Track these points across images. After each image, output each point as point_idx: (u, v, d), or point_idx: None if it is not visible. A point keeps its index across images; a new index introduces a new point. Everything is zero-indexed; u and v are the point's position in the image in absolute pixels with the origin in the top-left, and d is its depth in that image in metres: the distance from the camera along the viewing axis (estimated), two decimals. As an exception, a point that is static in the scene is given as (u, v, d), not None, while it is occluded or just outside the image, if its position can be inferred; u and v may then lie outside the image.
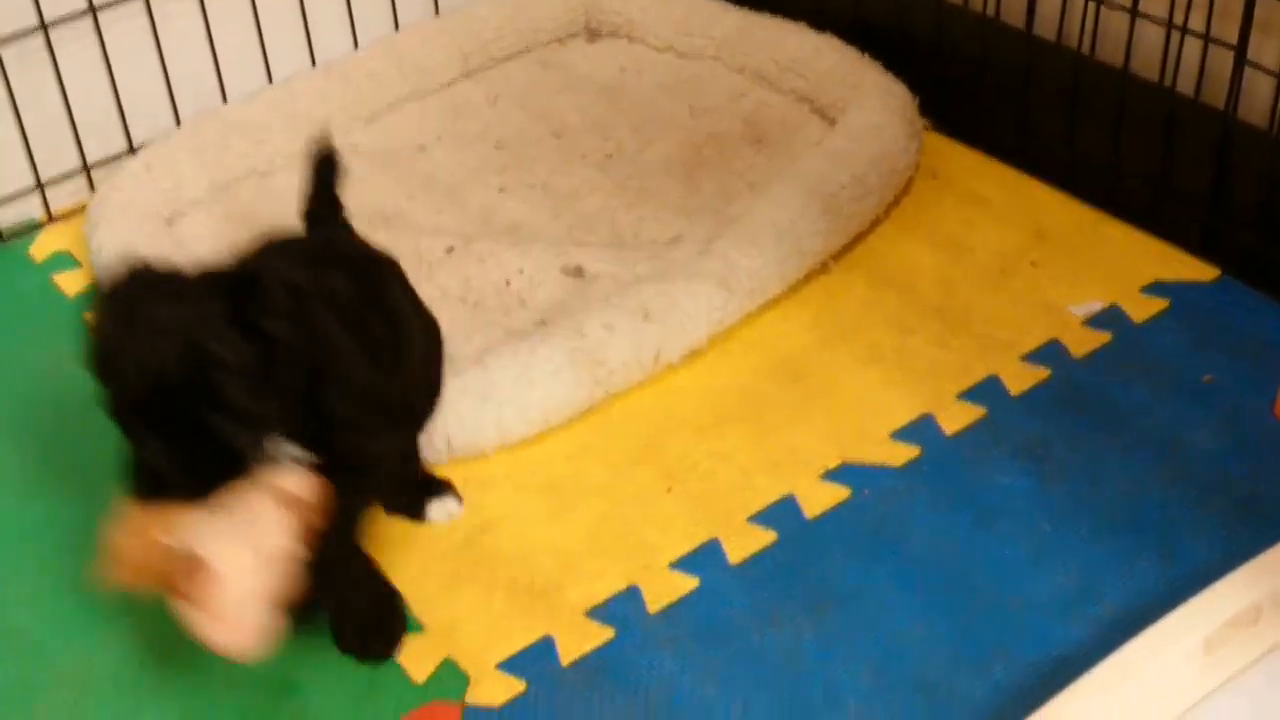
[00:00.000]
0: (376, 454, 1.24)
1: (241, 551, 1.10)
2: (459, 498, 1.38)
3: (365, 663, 1.24)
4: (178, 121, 1.83)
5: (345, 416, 1.18)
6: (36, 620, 1.30)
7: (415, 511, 1.37)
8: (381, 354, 1.23)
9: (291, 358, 1.10)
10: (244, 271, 1.10)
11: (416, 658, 1.24)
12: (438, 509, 1.37)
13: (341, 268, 1.28)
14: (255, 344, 1.07)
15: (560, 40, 2.06)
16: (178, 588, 1.11)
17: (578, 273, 1.62)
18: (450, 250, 1.66)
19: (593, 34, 2.07)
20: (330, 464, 1.19)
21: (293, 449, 1.18)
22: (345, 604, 1.24)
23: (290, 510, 1.12)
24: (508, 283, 1.62)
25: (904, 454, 1.41)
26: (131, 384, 1.06)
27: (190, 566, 1.10)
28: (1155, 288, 1.58)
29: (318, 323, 1.14)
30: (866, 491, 1.37)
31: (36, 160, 1.76)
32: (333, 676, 1.23)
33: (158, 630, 1.26)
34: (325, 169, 1.41)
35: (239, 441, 1.09)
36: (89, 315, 1.10)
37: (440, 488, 1.38)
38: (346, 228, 1.41)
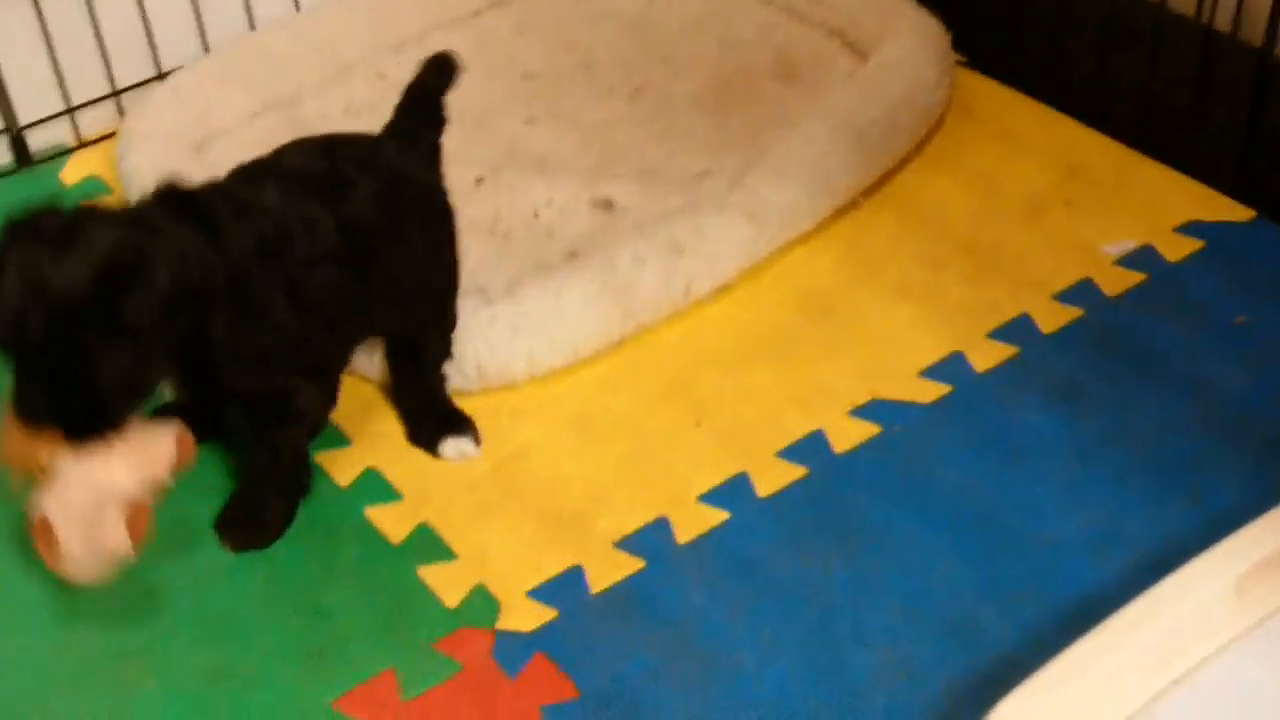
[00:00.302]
0: (286, 401, 1.25)
1: (75, 502, 1.12)
2: (477, 438, 1.37)
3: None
4: (206, 49, 1.82)
5: (232, 366, 1.19)
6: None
7: (431, 445, 1.36)
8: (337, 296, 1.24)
9: (164, 345, 1.10)
10: (131, 250, 1.08)
11: (448, 584, 1.24)
12: (450, 447, 1.36)
13: (338, 194, 1.27)
14: (128, 331, 1.08)
15: (588, -29, 2.04)
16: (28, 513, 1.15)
17: (607, 205, 1.62)
18: (479, 181, 1.66)
19: (621, -35, 2.05)
20: (216, 397, 1.20)
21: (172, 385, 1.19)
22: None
23: (144, 467, 1.14)
24: (536, 214, 1.61)
25: (934, 391, 1.41)
26: (3, 336, 1.07)
27: (35, 500, 1.14)
28: (1189, 228, 1.57)
29: (215, 282, 1.13)
30: (896, 428, 1.37)
31: (67, 86, 1.75)
32: (366, 603, 1.24)
33: (189, 560, 1.27)
34: (434, 77, 1.39)
35: (109, 408, 1.10)
36: None
37: (460, 425, 1.37)
38: (431, 144, 1.39)
